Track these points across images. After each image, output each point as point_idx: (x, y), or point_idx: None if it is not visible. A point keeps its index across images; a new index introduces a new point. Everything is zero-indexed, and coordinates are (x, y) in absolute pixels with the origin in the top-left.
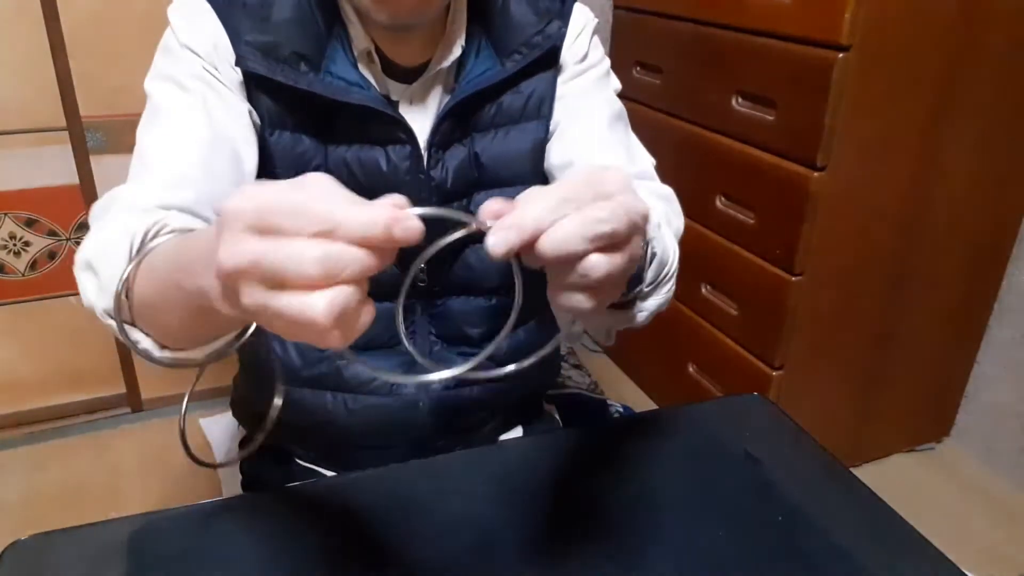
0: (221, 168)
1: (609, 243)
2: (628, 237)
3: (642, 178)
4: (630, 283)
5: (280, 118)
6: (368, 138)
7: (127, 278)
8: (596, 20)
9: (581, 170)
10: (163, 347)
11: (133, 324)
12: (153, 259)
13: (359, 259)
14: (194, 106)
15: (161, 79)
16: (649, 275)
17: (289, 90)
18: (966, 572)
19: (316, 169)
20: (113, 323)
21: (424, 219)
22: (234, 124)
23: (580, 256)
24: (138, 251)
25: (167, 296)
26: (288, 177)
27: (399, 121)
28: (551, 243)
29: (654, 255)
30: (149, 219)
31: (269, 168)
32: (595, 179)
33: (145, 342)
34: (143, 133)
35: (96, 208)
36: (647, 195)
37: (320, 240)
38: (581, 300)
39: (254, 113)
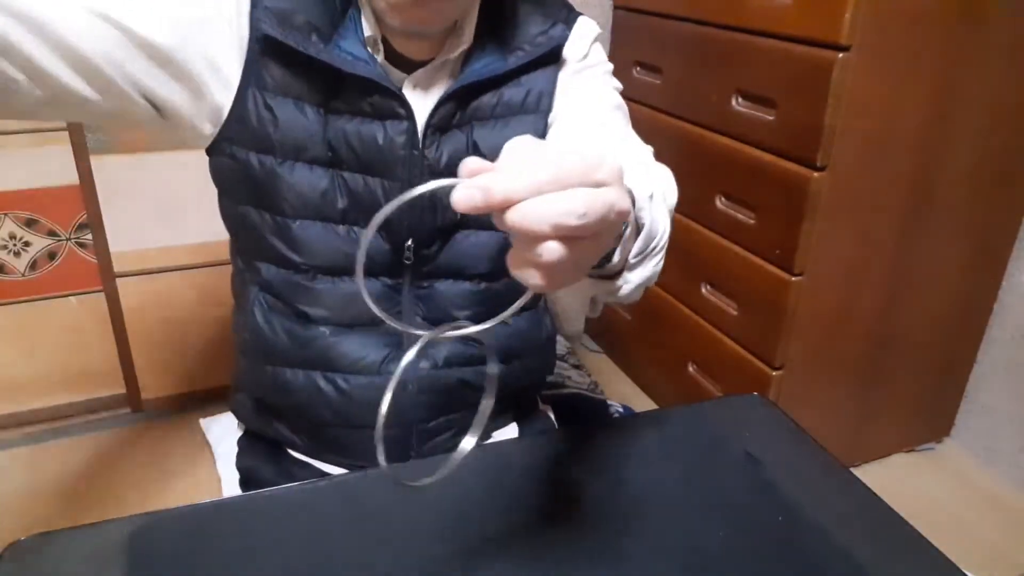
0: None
1: (574, 235)
2: (597, 232)
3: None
4: (608, 254)
5: (285, 86)
6: (368, 112)
7: None
8: (600, 31)
9: (578, 150)
10: None
11: None
12: None
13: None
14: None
15: None
16: (636, 247)
17: (298, 58)
18: (966, 572)
19: (313, 138)
20: None
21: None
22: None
23: (541, 238)
24: None
25: None
26: (286, 145)
27: (399, 96)
28: (515, 217)
29: (642, 226)
30: None
31: (270, 132)
32: (589, 165)
33: None
34: None
35: None
36: (643, 167)
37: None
38: (531, 276)
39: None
